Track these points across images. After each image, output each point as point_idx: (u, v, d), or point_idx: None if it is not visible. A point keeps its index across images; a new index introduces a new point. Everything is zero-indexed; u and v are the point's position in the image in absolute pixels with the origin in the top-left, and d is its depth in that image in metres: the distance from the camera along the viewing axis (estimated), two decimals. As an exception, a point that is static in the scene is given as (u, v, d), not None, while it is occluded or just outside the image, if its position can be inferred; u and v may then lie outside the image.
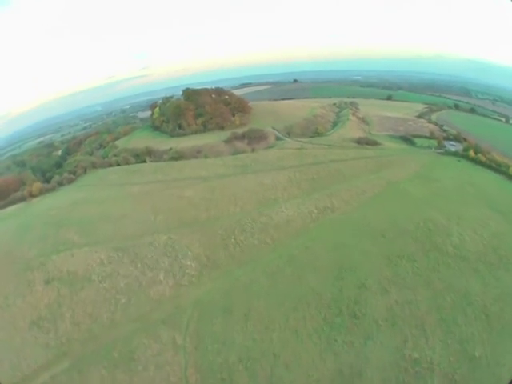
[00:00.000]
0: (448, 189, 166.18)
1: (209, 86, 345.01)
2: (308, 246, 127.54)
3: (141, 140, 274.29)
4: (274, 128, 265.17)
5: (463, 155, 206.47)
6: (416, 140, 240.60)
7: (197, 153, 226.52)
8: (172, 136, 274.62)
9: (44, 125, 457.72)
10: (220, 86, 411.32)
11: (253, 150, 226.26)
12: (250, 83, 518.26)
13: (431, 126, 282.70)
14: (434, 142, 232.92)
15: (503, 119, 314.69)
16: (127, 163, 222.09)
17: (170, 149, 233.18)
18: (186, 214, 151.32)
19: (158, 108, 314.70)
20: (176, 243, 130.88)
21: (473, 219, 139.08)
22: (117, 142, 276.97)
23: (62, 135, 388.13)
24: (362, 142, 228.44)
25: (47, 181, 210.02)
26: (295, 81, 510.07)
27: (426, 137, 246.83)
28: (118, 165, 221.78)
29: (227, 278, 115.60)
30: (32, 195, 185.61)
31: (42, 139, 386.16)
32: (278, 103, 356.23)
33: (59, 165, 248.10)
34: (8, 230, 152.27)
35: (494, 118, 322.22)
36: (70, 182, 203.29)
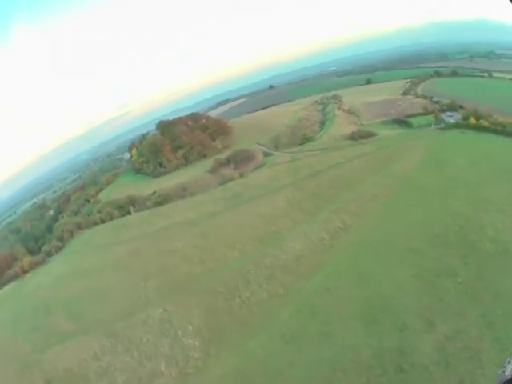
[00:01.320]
0: (462, 169, 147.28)
1: (189, 111, 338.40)
2: (328, 286, 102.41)
3: (123, 187, 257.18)
4: (259, 144, 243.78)
5: (465, 125, 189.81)
6: (411, 120, 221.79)
7: (182, 191, 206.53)
8: (154, 177, 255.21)
9: (37, 183, 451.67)
10: (200, 108, 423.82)
11: (241, 175, 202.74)
12: (227, 99, 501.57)
13: (421, 100, 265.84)
14: (430, 118, 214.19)
15: (486, 74, 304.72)
16: (111, 218, 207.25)
17: (154, 193, 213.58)
18: (179, 272, 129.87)
19: (135, 149, 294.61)
20: (173, 316, 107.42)
21: (499, 200, 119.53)
22: (100, 195, 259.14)
23: (54, 191, 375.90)
24: (356, 137, 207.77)
25: (40, 248, 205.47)
26: (271, 87, 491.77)
27: (420, 114, 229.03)
28: (103, 222, 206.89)
29: (239, 354, 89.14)
30: (24, 271, 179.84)
31: (35, 200, 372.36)
32: (258, 115, 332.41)
33: (50, 228, 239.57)
34: (1, 321, 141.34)
35: (478, 76, 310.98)
36: (58, 250, 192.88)
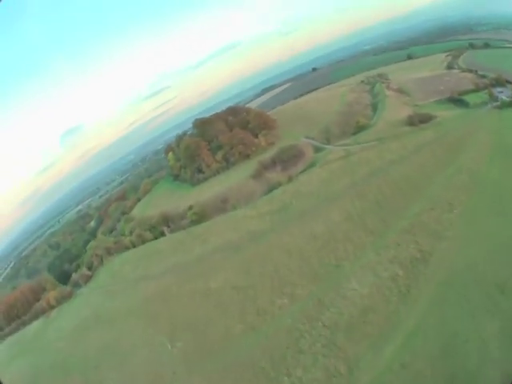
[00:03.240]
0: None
1: (235, 101, 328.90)
2: (404, 361, 72.47)
3: (160, 199, 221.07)
4: (308, 137, 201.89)
5: None
6: (465, 97, 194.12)
7: (222, 203, 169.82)
8: (193, 184, 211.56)
9: (85, 186, 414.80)
10: (246, 96, 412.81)
11: (290, 179, 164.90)
12: (272, 85, 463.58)
13: (468, 74, 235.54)
14: (482, 95, 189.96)
15: None
16: (143, 241, 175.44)
17: (190, 208, 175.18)
18: (213, 330, 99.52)
19: (171, 153, 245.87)
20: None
21: None
22: (134, 211, 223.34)
23: (100, 196, 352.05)
24: (415, 122, 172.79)
25: (73, 272, 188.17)
26: (314, 69, 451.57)
27: (472, 90, 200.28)
28: (134, 246, 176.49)
29: None
30: (50, 306, 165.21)
31: (80, 207, 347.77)
32: (304, 101, 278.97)
33: (88, 243, 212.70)
34: (20, 377, 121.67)
35: (509, 47, 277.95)
36: (87, 280, 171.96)
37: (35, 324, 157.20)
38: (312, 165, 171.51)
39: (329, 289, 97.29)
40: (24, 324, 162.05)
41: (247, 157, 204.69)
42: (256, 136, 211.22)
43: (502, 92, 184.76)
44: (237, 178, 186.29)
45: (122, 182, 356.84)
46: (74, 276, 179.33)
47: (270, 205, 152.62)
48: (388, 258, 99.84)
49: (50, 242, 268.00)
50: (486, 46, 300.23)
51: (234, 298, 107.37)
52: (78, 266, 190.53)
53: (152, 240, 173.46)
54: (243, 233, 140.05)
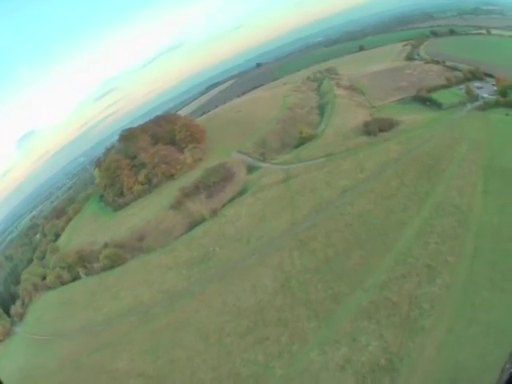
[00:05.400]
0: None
1: (181, 99, 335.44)
2: None
3: (83, 226, 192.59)
4: (241, 151, 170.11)
5: (507, 103, 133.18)
6: (435, 95, 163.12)
7: (138, 241, 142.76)
8: (114, 209, 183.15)
9: (39, 192, 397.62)
10: (191, 94, 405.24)
11: (214, 213, 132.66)
12: (217, 82, 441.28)
13: (433, 66, 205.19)
14: (456, 91, 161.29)
15: (484, 31, 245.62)
16: (61, 282, 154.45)
17: (105, 246, 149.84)
18: None
19: (97, 169, 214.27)
20: None
21: None
22: (61, 239, 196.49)
23: (52, 202, 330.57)
24: (373, 131, 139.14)
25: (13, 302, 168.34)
26: (258, 65, 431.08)
27: (443, 86, 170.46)
28: (54, 286, 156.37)
29: None
30: None
31: (34, 213, 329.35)
32: (242, 103, 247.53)
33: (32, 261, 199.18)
34: None
35: (476, 33, 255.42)
36: (20, 318, 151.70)
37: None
38: (243, 190, 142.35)
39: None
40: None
41: (171, 177, 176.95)
42: (182, 151, 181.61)
43: (481, 88, 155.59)
44: (156, 207, 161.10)
45: (70, 187, 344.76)
46: (13, 309, 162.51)
47: (190, 250, 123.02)
48: (337, 362, 65.93)
49: (5, 252, 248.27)
50: (452, 32, 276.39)
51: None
52: (18, 296, 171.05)
53: (70, 282, 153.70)
54: (155, 291, 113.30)
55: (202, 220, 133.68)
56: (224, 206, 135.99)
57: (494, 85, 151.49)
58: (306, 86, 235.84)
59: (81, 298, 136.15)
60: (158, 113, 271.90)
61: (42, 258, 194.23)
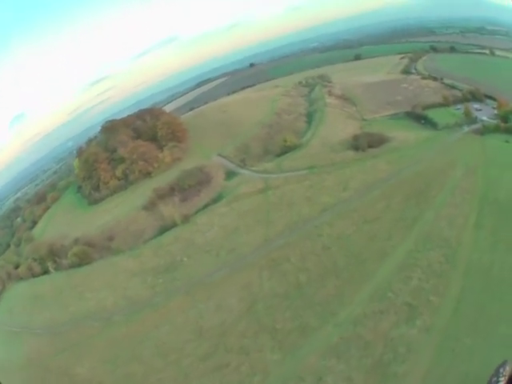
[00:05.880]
0: None
1: (171, 92, 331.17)
2: None
3: (59, 216, 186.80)
4: (221, 155, 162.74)
5: (508, 128, 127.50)
6: (430, 113, 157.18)
7: (108, 241, 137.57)
8: (89, 203, 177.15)
9: (25, 174, 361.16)
10: (182, 88, 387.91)
11: (186, 219, 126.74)
12: (209, 79, 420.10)
13: (430, 82, 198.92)
14: (453, 111, 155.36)
15: (487, 51, 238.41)
16: (32, 274, 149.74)
17: (76, 242, 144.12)
18: None
19: (78, 159, 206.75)
20: None
21: None
22: (36, 228, 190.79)
23: (36, 185, 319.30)
24: (362, 146, 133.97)
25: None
26: (252, 65, 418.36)
27: (440, 104, 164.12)
28: (26, 277, 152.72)
29: None
30: None
31: (19, 195, 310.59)
32: (231, 102, 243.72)
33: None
34: None
35: (478, 53, 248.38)
36: None
37: None
38: (219, 197, 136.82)
39: None
40: None
41: (148, 175, 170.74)
42: (162, 149, 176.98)
43: (480, 110, 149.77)
44: (129, 206, 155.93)
45: (55, 172, 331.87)
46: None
47: (157, 257, 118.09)
48: None
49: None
50: (452, 49, 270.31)
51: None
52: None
53: (41, 275, 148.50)
54: (119, 297, 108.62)
55: (173, 225, 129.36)
56: (197, 212, 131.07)
57: (494, 108, 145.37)
58: (296, 90, 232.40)
59: (49, 294, 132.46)
60: (148, 104, 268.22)
61: (19, 244, 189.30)
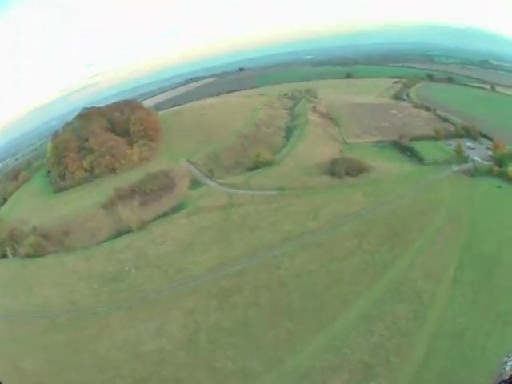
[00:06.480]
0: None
1: (158, 86, 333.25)
2: None
3: (26, 199, 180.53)
4: (190, 161, 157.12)
5: (501, 173, 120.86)
6: (417, 145, 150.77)
7: (64, 235, 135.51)
8: (54, 190, 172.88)
9: (8, 147, 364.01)
10: (171, 83, 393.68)
11: (142, 225, 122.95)
12: (198, 77, 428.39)
13: (422, 112, 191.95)
14: (443, 147, 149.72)
15: (487, 86, 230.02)
16: None
17: (33, 230, 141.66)
18: None
19: (51, 143, 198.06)
20: None
21: None
22: (3, 208, 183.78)
23: (17, 159, 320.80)
24: (339, 172, 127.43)
25: None
26: (241, 69, 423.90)
27: (430, 137, 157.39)
28: None
29: None
30: None
31: (0, 166, 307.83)
32: (211, 105, 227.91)
33: None
34: None
35: (478, 87, 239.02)
36: None
37: None
38: (179, 207, 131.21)
39: None
40: None
41: (113, 171, 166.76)
42: (131, 146, 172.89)
43: (473, 148, 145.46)
44: (89, 201, 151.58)
45: (36, 149, 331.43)
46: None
47: (107, 262, 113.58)
48: None
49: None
50: (450, 80, 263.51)
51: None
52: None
53: (1, 258, 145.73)
54: (65, 299, 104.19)
55: (129, 230, 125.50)
56: (155, 219, 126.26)
57: (489, 148, 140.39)
58: (280, 102, 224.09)
59: (3, 280, 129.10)
60: (135, 94, 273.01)
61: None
